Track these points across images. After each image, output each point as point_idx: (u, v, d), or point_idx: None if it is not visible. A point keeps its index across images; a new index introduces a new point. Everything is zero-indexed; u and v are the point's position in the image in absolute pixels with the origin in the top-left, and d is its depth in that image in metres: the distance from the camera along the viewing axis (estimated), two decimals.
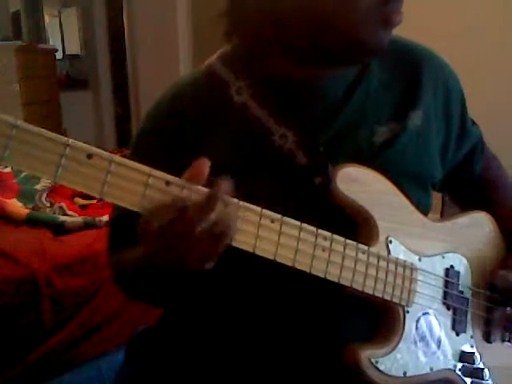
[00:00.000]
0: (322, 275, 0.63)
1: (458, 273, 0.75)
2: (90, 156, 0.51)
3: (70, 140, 0.50)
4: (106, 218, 1.79)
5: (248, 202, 0.57)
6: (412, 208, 0.72)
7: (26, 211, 1.91)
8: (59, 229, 1.82)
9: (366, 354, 0.66)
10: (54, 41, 5.34)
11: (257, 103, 0.70)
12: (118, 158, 0.52)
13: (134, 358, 0.86)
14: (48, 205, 1.99)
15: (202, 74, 0.76)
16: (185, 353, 0.78)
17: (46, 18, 5.30)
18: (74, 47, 5.29)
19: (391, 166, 0.71)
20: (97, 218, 1.85)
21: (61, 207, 1.96)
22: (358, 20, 0.63)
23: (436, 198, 0.97)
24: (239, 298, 0.72)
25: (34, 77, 3.83)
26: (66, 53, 5.34)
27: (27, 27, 4.94)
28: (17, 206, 1.95)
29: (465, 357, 0.74)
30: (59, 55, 4.95)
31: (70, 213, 1.94)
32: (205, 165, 0.54)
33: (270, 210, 0.60)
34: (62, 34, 5.38)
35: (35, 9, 5.09)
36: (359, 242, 0.66)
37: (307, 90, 0.71)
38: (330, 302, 0.69)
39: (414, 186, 0.73)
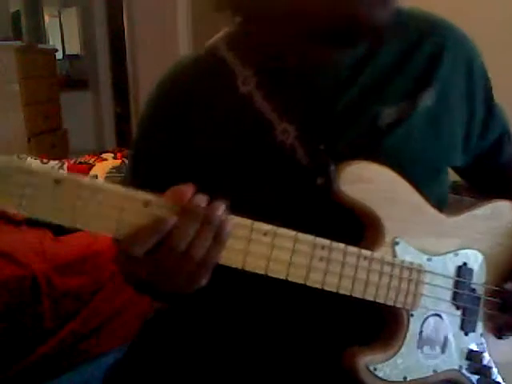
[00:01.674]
0: (318, 286, 0.61)
1: (472, 270, 0.71)
2: (57, 181, 0.48)
3: (34, 166, 0.47)
4: None
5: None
6: (424, 203, 0.68)
7: None
8: (59, 229, 1.82)
9: (365, 361, 0.64)
10: (54, 41, 5.33)
11: (262, 94, 0.67)
12: (87, 181, 0.49)
13: (135, 352, 0.86)
14: None
15: (205, 58, 0.72)
16: (184, 353, 0.78)
17: (46, 18, 5.29)
18: (74, 47, 5.29)
19: (397, 152, 0.67)
20: None
21: None
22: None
23: None
24: (237, 302, 0.71)
25: (34, 77, 3.82)
26: (66, 53, 5.33)
27: (27, 27, 4.93)
28: None
29: (472, 355, 0.71)
30: (59, 55, 4.94)
31: None
32: (189, 190, 0.52)
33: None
34: (62, 34, 5.37)
35: (35, 9, 5.09)
36: (364, 246, 0.63)
37: (309, 78, 0.68)
38: (330, 306, 0.68)
39: (424, 174, 0.69)
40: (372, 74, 0.68)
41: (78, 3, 5.06)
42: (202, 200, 0.52)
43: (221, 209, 0.52)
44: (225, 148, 0.68)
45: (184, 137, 0.69)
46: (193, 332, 0.78)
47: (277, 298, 0.69)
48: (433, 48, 0.70)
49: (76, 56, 5.30)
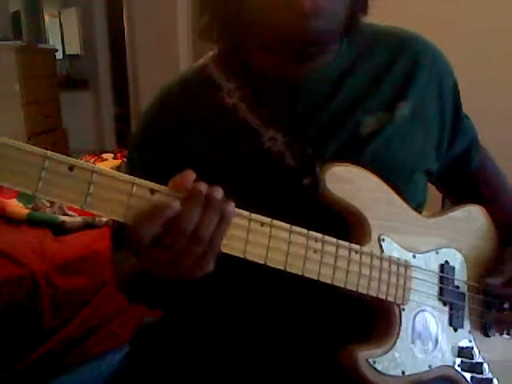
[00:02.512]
0: (314, 277, 0.62)
1: (453, 268, 0.75)
2: (71, 168, 0.50)
3: (49, 152, 0.49)
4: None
5: (239, 200, 0.57)
6: (404, 205, 0.71)
7: (26, 211, 1.91)
8: (59, 229, 1.83)
9: (363, 355, 0.66)
10: (54, 41, 5.34)
11: (246, 106, 0.71)
12: (100, 168, 0.52)
13: (138, 351, 0.86)
14: (48, 204, 1.99)
15: (194, 75, 0.77)
16: (184, 351, 0.78)
17: (46, 18, 5.30)
18: (74, 47, 5.29)
19: (378, 158, 0.70)
20: (97, 218, 1.85)
21: (60, 207, 1.96)
22: (268, 12, 0.63)
23: (436, 197, 0.97)
24: (236, 298, 0.72)
25: (34, 77, 3.82)
26: (66, 53, 5.34)
27: (27, 27, 4.94)
28: (17, 206, 1.96)
29: (463, 352, 0.74)
30: (59, 55, 4.95)
31: (69, 212, 1.94)
32: (190, 176, 0.54)
33: (260, 213, 0.59)
34: (62, 34, 5.38)
35: (35, 9, 5.09)
36: (352, 242, 0.65)
37: (292, 89, 0.71)
38: (325, 303, 0.69)
39: (400, 178, 0.72)
40: (353, 85, 0.72)
41: (77, 3, 5.06)
42: (202, 185, 0.54)
43: (219, 191, 0.55)
44: (215, 156, 0.71)
45: (176, 148, 0.73)
46: (191, 331, 0.79)
47: (272, 299, 0.70)
48: (408, 64, 0.74)
49: (76, 56, 5.31)
